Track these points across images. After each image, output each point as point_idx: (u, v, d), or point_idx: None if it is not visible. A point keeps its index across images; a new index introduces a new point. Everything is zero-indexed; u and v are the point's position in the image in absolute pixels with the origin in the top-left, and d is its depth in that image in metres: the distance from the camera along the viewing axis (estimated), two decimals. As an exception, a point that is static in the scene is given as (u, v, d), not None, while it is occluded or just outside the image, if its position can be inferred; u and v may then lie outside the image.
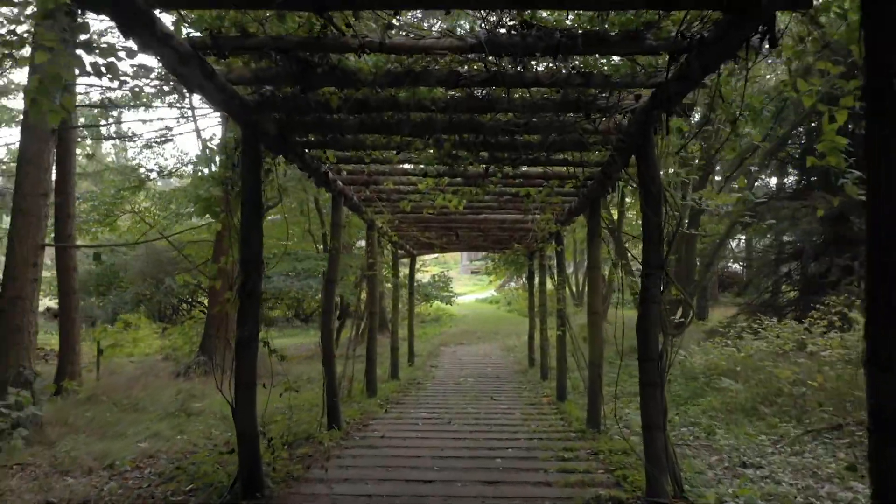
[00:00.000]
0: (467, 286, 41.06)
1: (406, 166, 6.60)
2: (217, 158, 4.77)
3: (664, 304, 4.65)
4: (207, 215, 4.86)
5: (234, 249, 4.58)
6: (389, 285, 14.39)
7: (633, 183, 5.12)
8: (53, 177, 8.56)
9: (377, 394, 9.31)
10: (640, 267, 4.61)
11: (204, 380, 11.07)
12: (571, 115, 4.71)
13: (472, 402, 9.07)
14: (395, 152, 5.45)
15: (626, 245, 15.17)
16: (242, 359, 4.50)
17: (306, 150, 5.49)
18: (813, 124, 14.83)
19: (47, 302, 27.42)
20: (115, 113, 15.45)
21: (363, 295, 17.36)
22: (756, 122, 3.91)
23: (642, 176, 4.47)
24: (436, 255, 42.51)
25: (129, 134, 13.12)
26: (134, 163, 21.55)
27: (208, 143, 4.90)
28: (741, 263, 28.54)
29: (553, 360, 12.17)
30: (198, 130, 12.63)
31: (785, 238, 21.09)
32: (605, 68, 4.04)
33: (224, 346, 12.00)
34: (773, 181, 20.53)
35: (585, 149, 5.24)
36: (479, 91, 4.35)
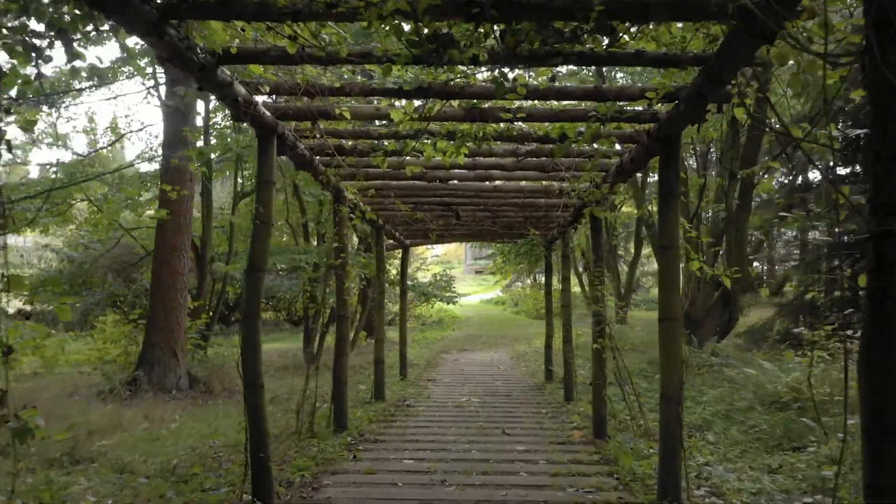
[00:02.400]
0: (471, 286, 38.39)
1: (366, 77, 4.01)
2: None
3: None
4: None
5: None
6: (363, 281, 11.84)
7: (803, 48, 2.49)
8: None
9: (347, 427, 6.70)
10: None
11: (132, 402, 8.49)
12: None
13: (476, 438, 6.47)
14: (329, 23, 2.85)
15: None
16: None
17: (171, 22, 2.87)
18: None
19: (17, 303, 24.98)
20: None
21: (356, 293, 14.68)
22: None
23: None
24: (433, 246, 39.88)
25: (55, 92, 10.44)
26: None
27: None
28: (765, 261, 25.85)
29: (579, 374, 9.56)
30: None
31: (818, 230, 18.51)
32: None
33: (170, 358, 9.42)
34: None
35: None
36: None
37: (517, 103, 4.03)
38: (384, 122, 4.77)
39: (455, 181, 6.38)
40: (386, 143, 4.91)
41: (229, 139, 13.34)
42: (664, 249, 4.23)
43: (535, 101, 4.17)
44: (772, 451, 5.76)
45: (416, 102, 4.10)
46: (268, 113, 4.10)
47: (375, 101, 4.38)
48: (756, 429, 6.31)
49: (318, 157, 5.31)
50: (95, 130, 21.09)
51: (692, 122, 3.77)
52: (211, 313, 15.41)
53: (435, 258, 37.96)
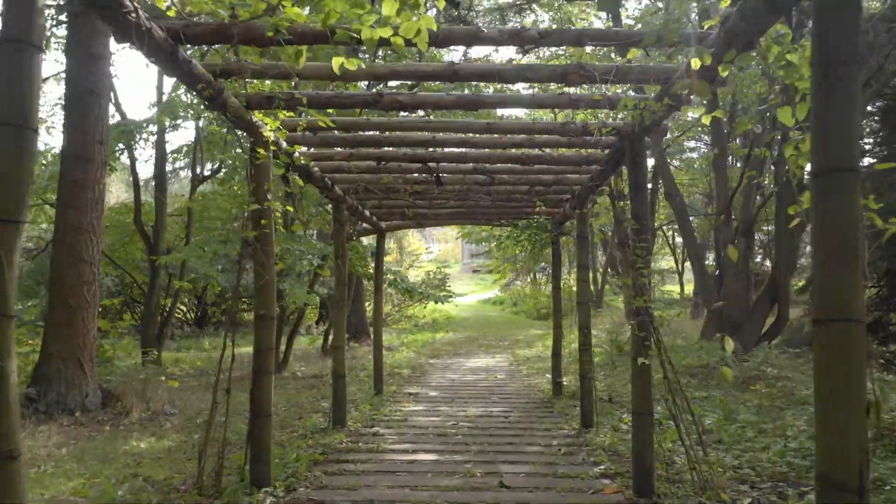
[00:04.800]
0: (469, 286, 36.09)
1: None
2: None
3: None
4: None
5: None
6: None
7: None
8: None
9: (271, 480, 4.45)
10: None
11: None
12: None
13: (462, 497, 4.29)
14: None
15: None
16: None
17: None
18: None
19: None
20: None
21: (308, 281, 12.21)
22: None
23: None
24: (428, 245, 37.65)
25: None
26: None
27: None
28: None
29: (592, 386, 7.41)
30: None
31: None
32: None
33: (74, 371, 7.20)
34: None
35: None
36: None
37: None
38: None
39: (429, 116, 4.16)
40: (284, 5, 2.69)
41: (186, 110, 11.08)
42: (825, 177, 2.02)
43: None
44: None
45: None
46: None
47: None
48: (888, 486, 4.09)
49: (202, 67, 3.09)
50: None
51: None
52: (165, 313, 13.22)
53: (429, 253, 35.87)
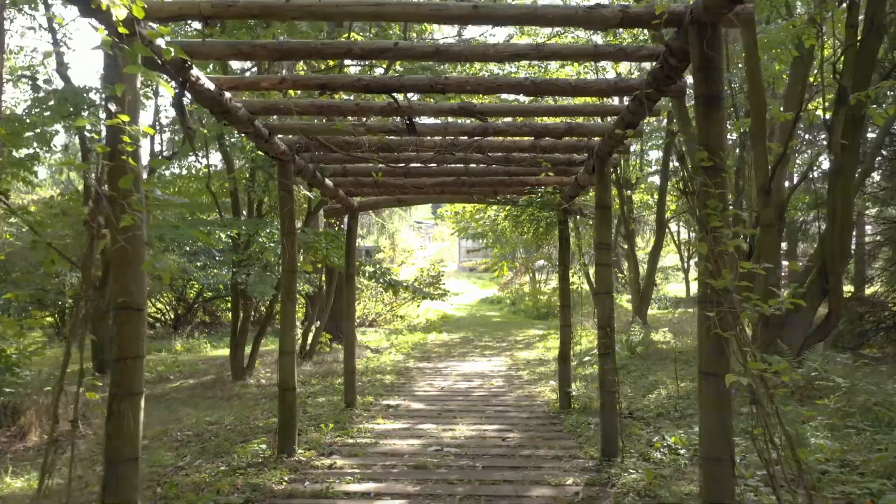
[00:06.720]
0: (465, 284, 34.43)
1: None
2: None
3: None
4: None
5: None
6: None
7: None
8: None
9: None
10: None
11: None
12: None
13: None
14: None
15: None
16: None
17: None
18: None
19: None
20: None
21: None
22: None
23: None
24: (425, 243, 36.02)
25: None
26: None
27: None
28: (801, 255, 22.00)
29: (616, 402, 5.83)
30: None
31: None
32: None
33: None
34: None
35: None
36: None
37: None
38: None
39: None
40: None
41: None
42: None
43: None
44: None
45: None
46: None
47: None
48: None
49: None
50: None
51: None
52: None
53: (422, 250, 34.39)
